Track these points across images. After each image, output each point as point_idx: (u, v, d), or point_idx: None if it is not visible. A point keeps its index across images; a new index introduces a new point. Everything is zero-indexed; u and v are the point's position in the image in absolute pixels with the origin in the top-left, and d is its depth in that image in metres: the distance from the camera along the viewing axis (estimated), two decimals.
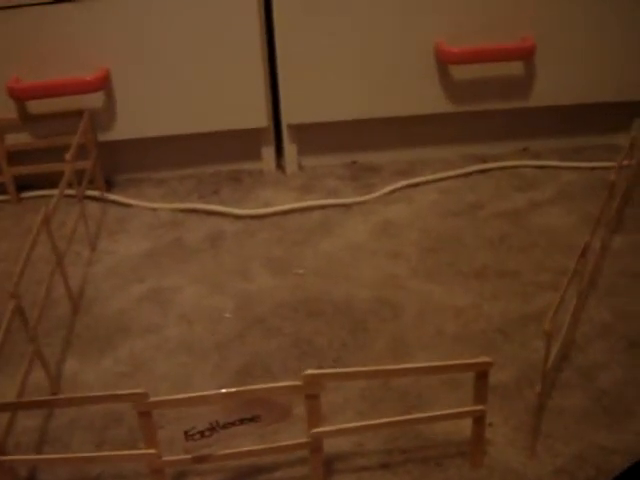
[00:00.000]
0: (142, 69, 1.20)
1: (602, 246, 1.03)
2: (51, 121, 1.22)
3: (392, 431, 0.80)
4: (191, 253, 1.12)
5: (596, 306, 0.96)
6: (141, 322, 0.99)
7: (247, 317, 0.99)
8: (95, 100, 1.21)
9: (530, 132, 1.33)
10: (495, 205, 1.19)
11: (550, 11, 1.18)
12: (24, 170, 1.25)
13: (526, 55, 1.20)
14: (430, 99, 1.25)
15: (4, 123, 1.22)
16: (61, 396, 0.87)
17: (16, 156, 1.25)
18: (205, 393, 0.67)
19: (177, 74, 1.20)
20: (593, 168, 1.27)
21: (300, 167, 1.32)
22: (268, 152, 1.31)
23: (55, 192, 1.00)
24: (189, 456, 0.70)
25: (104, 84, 1.18)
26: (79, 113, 1.20)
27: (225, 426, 0.69)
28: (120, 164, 1.32)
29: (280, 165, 1.33)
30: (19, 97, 1.18)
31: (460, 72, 1.22)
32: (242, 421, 0.69)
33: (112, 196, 1.26)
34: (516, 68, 1.23)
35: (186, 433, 0.68)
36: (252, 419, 0.69)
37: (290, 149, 1.30)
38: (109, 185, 1.30)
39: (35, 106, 1.21)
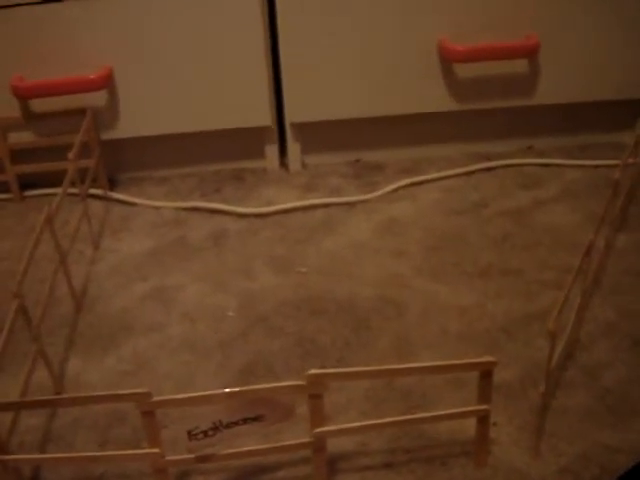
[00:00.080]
0: (145, 67, 1.19)
1: (606, 245, 1.03)
2: (54, 120, 1.22)
3: (396, 431, 0.80)
4: (194, 251, 1.12)
5: (600, 305, 0.96)
6: (144, 321, 0.99)
7: (250, 316, 0.99)
8: (98, 99, 1.21)
9: (534, 130, 1.33)
10: (499, 203, 1.18)
11: (554, 9, 1.18)
12: (27, 169, 1.25)
13: (530, 53, 1.19)
14: (434, 97, 1.24)
15: (7, 122, 1.22)
16: (64, 396, 0.86)
17: (19, 154, 1.25)
18: (208, 393, 0.67)
19: (180, 72, 1.20)
20: (597, 166, 1.27)
21: (303, 165, 1.31)
22: (271, 150, 1.31)
23: (58, 191, 0.99)
24: (192, 455, 0.70)
25: (107, 83, 1.18)
26: (82, 112, 1.20)
27: (228, 425, 0.68)
28: (123, 162, 1.31)
29: (283, 163, 1.32)
30: (22, 96, 1.18)
31: (464, 70, 1.22)
32: (245, 421, 0.69)
33: (115, 195, 1.26)
34: (520, 66, 1.22)
35: (189, 433, 0.68)
36: (255, 419, 0.69)
37: (293, 147, 1.29)
38: (112, 183, 1.30)
39: (38, 105, 1.21)
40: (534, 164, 1.28)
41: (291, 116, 1.26)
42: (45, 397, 0.85)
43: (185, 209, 1.22)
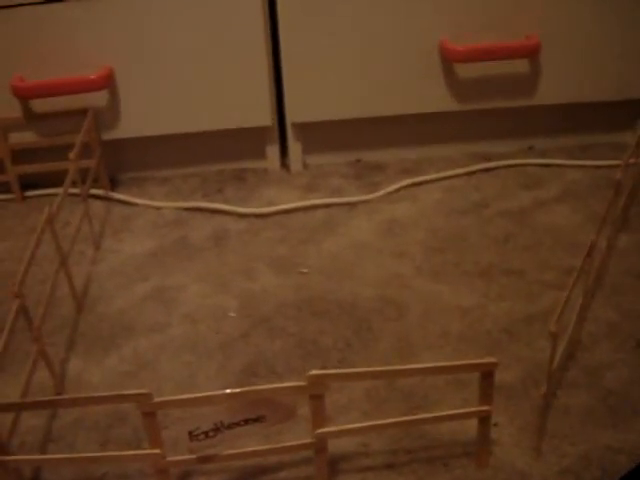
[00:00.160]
0: (146, 68, 1.19)
1: (608, 245, 1.03)
2: (55, 120, 1.22)
3: (397, 431, 0.80)
4: (195, 252, 1.12)
5: (602, 305, 0.96)
6: (145, 321, 0.99)
7: (251, 316, 0.98)
8: (99, 99, 1.21)
9: (535, 130, 1.33)
10: (500, 204, 1.18)
11: (555, 9, 1.18)
12: (28, 169, 1.25)
13: (531, 53, 1.19)
14: (434, 97, 1.24)
15: (8, 122, 1.22)
16: (65, 396, 0.86)
17: (20, 155, 1.25)
18: (210, 393, 0.67)
19: (181, 72, 1.20)
20: (598, 166, 1.27)
21: (304, 165, 1.31)
22: (272, 151, 1.31)
23: (59, 191, 0.99)
24: (194, 456, 0.70)
25: (108, 83, 1.18)
26: (83, 112, 1.19)
27: (230, 426, 0.68)
28: (124, 163, 1.31)
29: (284, 164, 1.32)
30: (23, 96, 1.18)
31: (465, 70, 1.22)
32: (247, 421, 0.69)
33: (116, 195, 1.26)
34: (521, 66, 1.22)
35: (190, 433, 0.68)
36: (257, 419, 0.69)
37: (294, 147, 1.29)
38: (113, 184, 1.30)
39: (39, 105, 1.21)
40: (535, 164, 1.28)
41: (292, 116, 1.26)
42: (46, 398, 0.84)
43: (186, 209, 1.22)
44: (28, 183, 1.28)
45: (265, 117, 1.24)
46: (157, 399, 0.66)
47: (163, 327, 0.98)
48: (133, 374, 0.91)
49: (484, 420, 0.73)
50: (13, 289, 0.81)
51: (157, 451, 0.70)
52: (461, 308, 0.97)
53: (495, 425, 0.79)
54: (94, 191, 1.24)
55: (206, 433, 0.68)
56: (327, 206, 1.20)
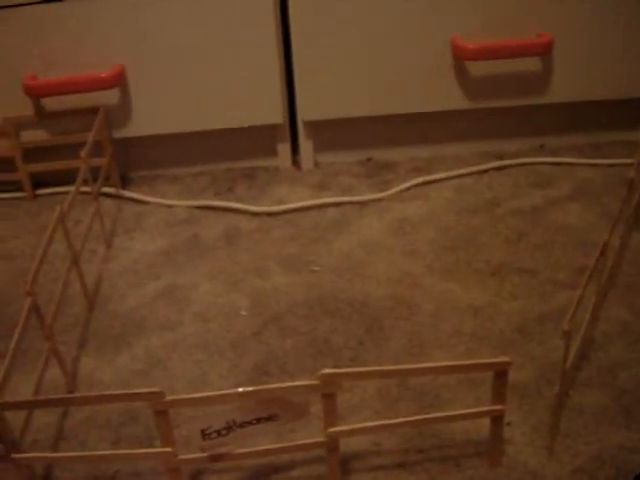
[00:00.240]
0: (157, 66, 1.19)
1: (621, 244, 1.02)
2: (66, 118, 1.22)
3: (409, 430, 0.80)
4: (207, 250, 1.12)
5: (615, 304, 0.95)
6: (157, 320, 0.99)
7: (263, 315, 0.98)
8: (110, 97, 1.21)
9: (546, 129, 1.32)
10: (512, 202, 1.18)
11: (567, 7, 1.17)
12: (39, 167, 1.25)
13: (543, 51, 1.19)
14: (446, 95, 1.24)
15: (20, 120, 1.22)
16: (78, 394, 0.86)
17: (31, 153, 1.25)
18: (222, 392, 0.67)
19: (192, 71, 1.20)
20: (610, 165, 1.26)
21: (315, 164, 1.31)
22: (283, 149, 1.30)
23: (70, 189, 0.99)
24: (205, 454, 0.70)
25: (119, 81, 1.18)
26: (94, 110, 1.20)
27: (242, 425, 0.68)
28: (135, 161, 1.31)
29: (295, 162, 1.32)
30: (35, 94, 1.19)
31: (476, 68, 1.21)
32: (259, 420, 0.68)
33: (127, 193, 1.26)
34: (533, 64, 1.22)
35: (203, 432, 0.68)
36: (269, 418, 0.69)
37: (306, 146, 1.29)
38: (124, 182, 1.30)
39: (50, 103, 1.21)
40: (546, 163, 1.28)
41: (303, 114, 1.26)
42: (58, 396, 0.85)
43: (198, 207, 1.22)
44: (39, 181, 1.28)
45: (276, 115, 1.24)
46: (169, 397, 0.66)
47: (175, 325, 0.98)
48: (145, 372, 0.91)
49: (497, 419, 0.73)
50: (25, 287, 0.81)
51: (169, 449, 0.70)
52: (473, 307, 0.97)
53: (508, 424, 0.79)
54: (105, 189, 1.24)
55: (218, 432, 0.68)
56: (338, 205, 1.20)
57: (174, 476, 0.72)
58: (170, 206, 1.23)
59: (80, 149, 1.04)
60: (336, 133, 1.29)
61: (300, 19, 1.17)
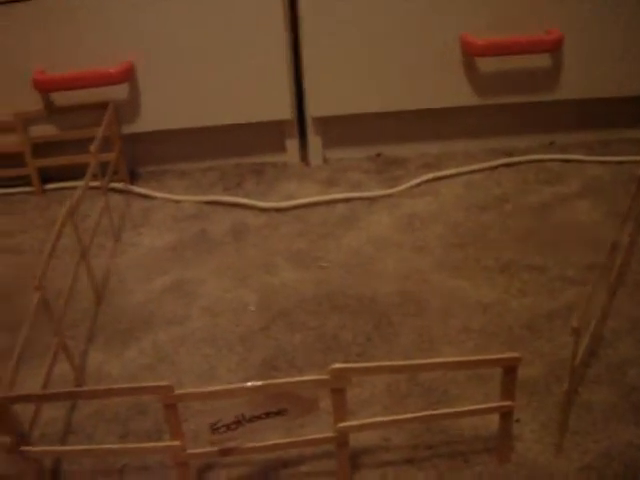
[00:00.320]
0: (166, 61, 1.19)
1: (630, 241, 1.02)
2: (75, 113, 1.23)
3: (418, 426, 0.80)
4: (215, 246, 1.12)
5: (625, 302, 0.95)
6: (165, 314, 0.99)
7: (271, 310, 0.98)
8: (119, 92, 1.21)
9: (556, 126, 1.32)
10: (521, 199, 1.18)
11: (577, 3, 1.17)
12: (48, 162, 1.26)
13: (552, 48, 1.18)
14: (455, 92, 1.24)
15: (29, 115, 1.22)
16: (87, 388, 0.86)
17: (39, 148, 1.25)
18: (231, 386, 0.67)
19: (201, 66, 1.20)
20: (620, 162, 1.26)
21: (324, 160, 1.31)
22: (292, 144, 1.30)
23: (78, 184, 0.99)
24: (214, 448, 0.70)
25: (128, 76, 1.18)
26: (103, 105, 1.20)
27: (251, 419, 0.68)
28: (143, 156, 1.32)
29: (304, 158, 1.32)
30: (44, 89, 1.19)
31: (486, 64, 1.21)
32: (268, 414, 0.68)
33: (136, 188, 1.26)
34: (542, 61, 1.21)
35: (212, 426, 0.68)
36: (278, 412, 0.69)
37: (314, 141, 1.29)
38: (132, 177, 1.30)
39: (59, 98, 1.22)
40: (556, 160, 1.28)
41: (312, 110, 1.26)
42: (67, 389, 0.85)
43: (206, 203, 1.22)
44: (47, 176, 1.29)
45: (285, 111, 1.24)
46: (178, 391, 0.66)
47: (182, 320, 0.98)
48: (153, 367, 0.91)
49: (506, 416, 0.73)
50: (34, 282, 0.81)
51: (178, 443, 0.70)
52: (482, 303, 0.97)
53: (517, 421, 0.78)
54: (113, 184, 1.24)
55: (227, 426, 0.68)
56: (347, 200, 1.20)
57: (182, 470, 0.72)
58: (178, 201, 1.23)
59: (88, 144, 1.04)
60: (345, 129, 1.29)
61: (309, 15, 1.17)
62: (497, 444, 0.75)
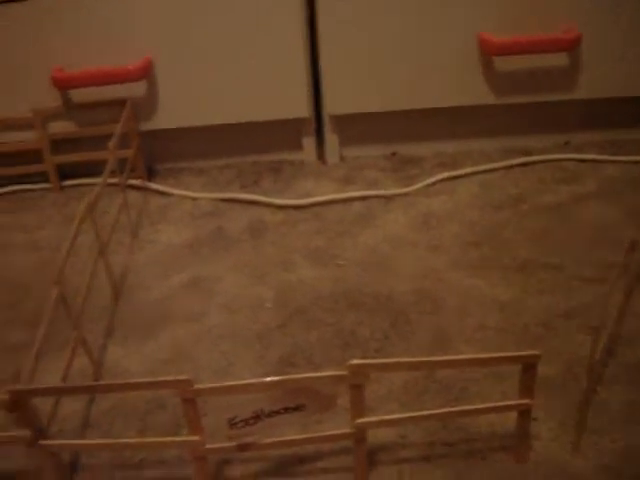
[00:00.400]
0: (184, 59, 1.20)
1: None
2: (93, 110, 1.23)
3: (435, 424, 0.80)
4: (232, 243, 1.12)
5: None
6: (182, 311, 1.00)
7: (288, 307, 0.98)
8: (137, 89, 1.21)
9: (572, 125, 1.31)
10: (537, 198, 1.17)
11: (595, 2, 1.17)
12: (66, 159, 1.26)
13: (570, 47, 1.18)
14: (472, 90, 1.24)
15: (47, 112, 1.23)
16: (108, 382, 0.86)
17: (57, 145, 1.26)
18: (251, 381, 0.67)
19: (219, 64, 1.20)
20: (636, 162, 1.25)
21: (341, 158, 1.31)
22: (309, 143, 1.31)
23: (96, 181, 1.00)
24: (233, 443, 0.70)
25: (146, 73, 1.18)
26: (121, 102, 1.20)
27: (270, 414, 0.68)
28: (160, 153, 1.32)
29: (321, 156, 1.32)
30: (63, 86, 1.19)
31: (503, 63, 1.21)
32: (286, 410, 0.69)
33: (153, 185, 1.27)
34: (560, 60, 1.21)
35: (230, 421, 0.68)
36: (296, 408, 0.69)
37: (331, 140, 1.29)
38: (150, 174, 1.30)
39: (78, 95, 1.22)
40: (572, 159, 1.27)
41: (330, 108, 1.26)
42: (87, 383, 0.85)
43: (223, 200, 1.22)
44: (64, 173, 1.29)
45: (302, 109, 1.24)
46: (197, 386, 0.66)
47: (200, 317, 0.98)
48: (171, 362, 0.91)
49: (524, 414, 0.73)
50: (53, 277, 0.81)
51: (196, 438, 0.70)
52: (498, 302, 0.97)
53: (534, 419, 0.78)
54: (131, 181, 1.25)
55: (246, 421, 0.68)
56: (364, 199, 1.20)
57: (201, 465, 0.73)
58: (195, 198, 1.23)
59: (106, 141, 1.05)
60: (361, 127, 1.29)
61: (327, 13, 1.17)
62: (514, 442, 0.75)
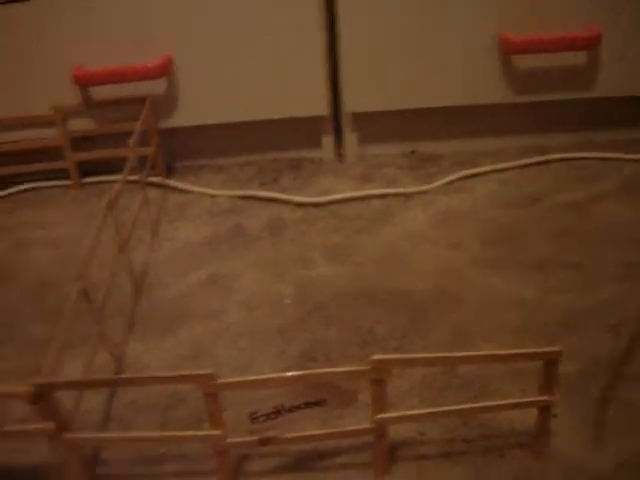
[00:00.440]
0: (203, 57, 1.20)
1: None
2: (113, 107, 1.24)
3: (454, 420, 0.80)
4: (250, 240, 1.13)
5: None
6: (202, 307, 1.00)
7: (307, 304, 0.99)
8: (157, 87, 1.22)
9: (591, 123, 1.31)
10: (556, 197, 1.17)
11: (615, 1, 1.16)
12: (87, 156, 1.27)
13: (589, 45, 1.18)
14: (491, 89, 1.24)
15: (68, 110, 1.24)
16: (130, 375, 0.87)
17: (78, 142, 1.27)
18: (273, 375, 0.68)
19: (238, 62, 1.21)
20: None
21: (359, 156, 1.31)
22: (328, 140, 1.31)
23: (116, 178, 1.00)
24: (255, 438, 0.71)
25: (166, 71, 1.19)
26: (141, 100, 1.21)
27: (290, 409, 0.69)
28: (180, 151, 1.33)
29: (339, 153, 1.32)
30: (83, 84, 1.20)
31: (522, 62, 1.21)
32: (307, 405, 0.69)
33: (172, 182, 1.27)
34: (579, 58, 1.21)
35: (251, 415, 0.69)
36: (317, 403, 0.69)
37: (350, 138, 1.30)
38: (169, 172, 1.31)
39: (98, 93, 1.23)
40: (591, 158, 1.27)
41: (348, 106, 1.26)
42: (111, 376, 0.86)
43: (242, 197, 1.22)
44: (84, 170, 1.30)
45: (321, 107, 1.25)
46: (220, 380, 0.67)
47: (219, 314, 0.99)
48: (190, 359, 0.92)
49: (544, 410, 0.73)
50: (76, 271, 0.81)
51: (218, 432, 0.70)
52: (518, 300, 0.97)
53: (554, 416, 0.78)
54: (150, 178, 1.25)
55: (267, 415, 0.69)
56: (382, 196, 1.20)
57: (222, 459, 0.73)
58: (213, 196, 1.24)
59: (126, 139, 1.05)
60: (380, 125, 1.30)
61: (346, 12, 1.17)
62: (534, 439, 0.75)
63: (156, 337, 0.96)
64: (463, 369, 0.86)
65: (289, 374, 0.67)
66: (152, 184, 1.26)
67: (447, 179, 1.22)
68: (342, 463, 0.77)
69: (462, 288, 1.00)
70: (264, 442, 0.71)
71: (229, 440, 0.71)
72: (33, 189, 1.31)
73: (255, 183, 1.26)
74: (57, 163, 1.28)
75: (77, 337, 0.90)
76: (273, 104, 1.24)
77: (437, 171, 1.26)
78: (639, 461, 0.74)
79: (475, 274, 1.02)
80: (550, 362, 0.68)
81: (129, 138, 1.05)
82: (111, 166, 1.21)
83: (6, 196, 1.30)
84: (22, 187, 1.31)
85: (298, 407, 0.69)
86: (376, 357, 0.66)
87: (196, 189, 1.25)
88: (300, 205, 1.19)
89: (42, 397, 0.68)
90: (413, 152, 1.32)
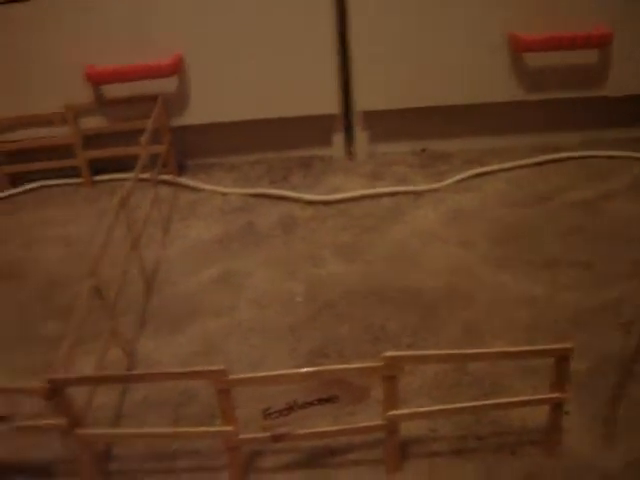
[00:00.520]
0: (215, 55, 1.21)
1: None
2: (125, 106, 1.24)
3: (466, 417, 0.80)
4: (262, 238, 1.13)
5: None
6: (213, 305, 1.00)
7: (318, 302, 0.99)
8: (168, 85, 1.22)
9: (602, 122, 1.31)
10: (566, 195, 1.17)
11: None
12: (98, 154, 1.27)
13: (601, 43, 1.18)
14: (502, 87, 1.24)
15: (80, 108, 1.24)
16: (143, 371, 0.87)
17: (89, 140, 1.27)
18: (286, 371, 0.68)
19: (249, 60, 1.21)
20: None
21: (370, 154, 1.31)
22: (338, 138, 1.31)
23: (127, 176, 1.01)
24: (267, 434, 0.71)
25: (178, 69, 1.19)
26: (152, 98, 1.21)
27: (303, 406, 0.69)
28: (192, 149, 1.33)
29: (350, 151, 1.33)
30: (96, 82, 1.21)
31: (533, 60, 1.21)
32: (320, 401, 0.69)
33: (184, 180, 1.28)
34: (591, 56, 1.21)
35: (264, 411, 0.69)
36: (329, 400, 0.69)
37: (361, 136, 1.30)
38: (181, 169, 1.31)
39: (110, 91, 1.23)
40: (602, 156, 1.27)
41: (359, 104, 1.26)
42: (124, 373, 0.86)
43: (253, 195, 1.23)
44: (96, 168, 1.31)
45: (332, 105, 1.25)
46: (232, 376, 0.67)
47: (230, 311, 0.99)
48: (202, 356, 0.92)
49: (556, 407, 0.73)
50: (87, 270, 0.82)
51: (230, 428, 0.71)
52: (528, 298, 0.97)
53: (566, 414, 0.78)
54: (162, 176, 1.25)
55: (280, 411, 0.69)
56: (393, 194, 1.20)
57: (234, 455, 0.73)
58: (225, 194, 1.24)
59: (137, 137, 1.06)
60: (390, 123, 1.30)
61: (358, 10, 1.17)
62: (546, 436, 0.76)
63: (167, 334, 0.96)
64: (474, 366, 0.86)
65: (302, 370, 0.67)
66: (164, 182, 1.27)
67: (458, 177, 1.23)
68: (354, 460, 0.77)
69: (473, 286, 1.00)
70: (276, 438, 0.71)
71: (241, 436, 0.72)
72: (44, 187, 1.31)
73: (266, 181, 1.27)
74: (69, 161, 1.28)
75: (89, 334, 0.91)
76: (284, 102, 1.24)
77: (448, 169, 1.26)
78: None
79: (486, 272, 1.02)
80: (562, 359, 0.68)
81: (141, 136, 1.06)
82: (123, 164, 1.21)
83: (18, 194, 1.31)
84: (33, 185, 1.31)
85: (310, 403, 0.69)
86: (389, 354, 0.66)
87: (207, 187, 1.26)
88: (310, 203, 1.20)
89: (56, 393, 0.69)
90: (424, 150, 1.32)
